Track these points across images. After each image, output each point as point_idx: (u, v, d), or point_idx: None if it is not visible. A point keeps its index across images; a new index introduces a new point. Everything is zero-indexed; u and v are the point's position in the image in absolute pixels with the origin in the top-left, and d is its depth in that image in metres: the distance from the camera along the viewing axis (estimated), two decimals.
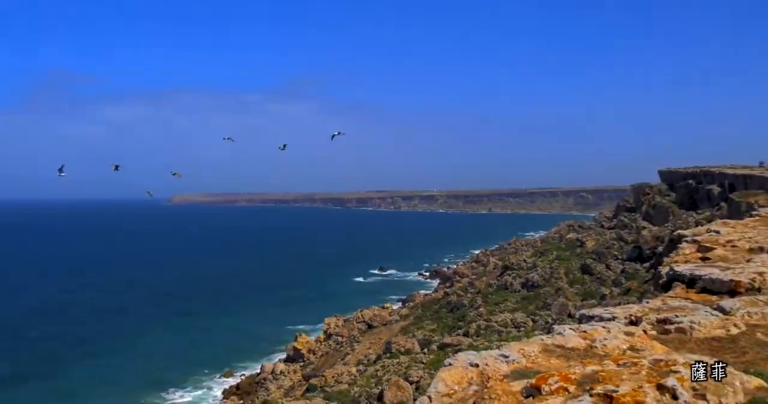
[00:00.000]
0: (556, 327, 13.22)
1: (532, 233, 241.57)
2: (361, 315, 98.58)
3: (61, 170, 44.00)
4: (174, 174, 48.45)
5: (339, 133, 45.25)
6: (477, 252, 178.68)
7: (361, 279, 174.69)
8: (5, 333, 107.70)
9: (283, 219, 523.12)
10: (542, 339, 12.29)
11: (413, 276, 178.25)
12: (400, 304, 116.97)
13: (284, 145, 46.15)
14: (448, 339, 70.68)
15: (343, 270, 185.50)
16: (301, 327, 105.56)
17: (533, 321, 71.90)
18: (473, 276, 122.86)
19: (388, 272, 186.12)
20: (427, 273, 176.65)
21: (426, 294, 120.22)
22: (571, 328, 12.87)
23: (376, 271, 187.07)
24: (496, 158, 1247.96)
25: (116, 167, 44.61)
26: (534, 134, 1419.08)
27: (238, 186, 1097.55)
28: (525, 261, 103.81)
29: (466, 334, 72.00)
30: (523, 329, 68.88)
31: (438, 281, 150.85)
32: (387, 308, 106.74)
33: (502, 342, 54.04)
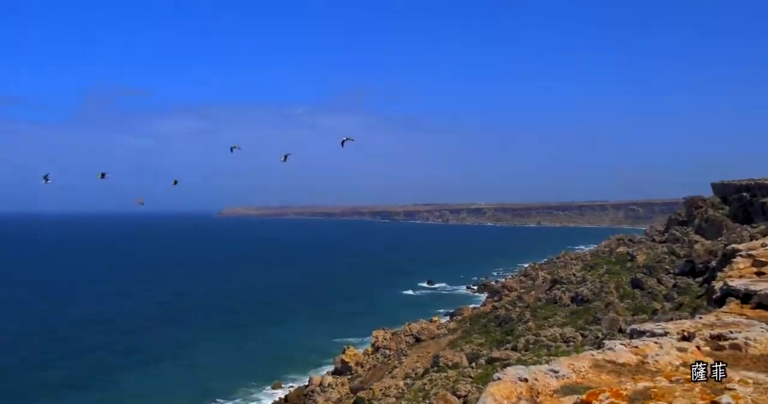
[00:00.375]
0: (606, 342, 13.08)
1: (582, 247, 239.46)
2: (409, 329, 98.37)
3: (46, 178, 44.94)
4: (174, 183, 49.02)
5: (348, 139, 45.39)
6: (525, 265, 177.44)
7: (409, 292, 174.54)
8: (58, 342, 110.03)
9: (331, 232, 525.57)
10: (592, 355, 12.17)
11: (461, 289, 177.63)
12: (448, 318, 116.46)
13: (285, 156, 46.12)
14: (496, 354, 70.22)
15: (391, 283, 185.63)
16: (349, 339, 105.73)
17: (583, 336, 71.05)
18: (522, 290, 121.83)
19: (437, 285, 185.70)
20: (476, 287, 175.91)
21: (474, 308, 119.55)
22: (622, 343, 12.72)
23: (424, 284, 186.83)
24: (544, 171, 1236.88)
25: (102, 175, 45.11)
26: (582, 146, 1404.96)
27: (287, 199, 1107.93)
28: (574, 275, 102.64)
29: (514, 348, 71.42)
30: (572, 344, 68.11)
31: (486, 294, 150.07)
32: (435, 321, 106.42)
33: (551, 357, 53.53)
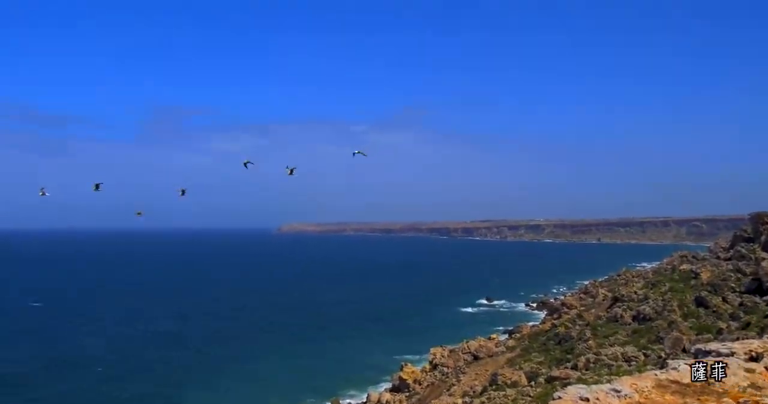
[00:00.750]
0: (670, 361, 12.87)
1: (645, 264, 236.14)
2: (467, 346, 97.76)
3: (43, 191, 46.39)
4: (182, 192, 49.53)
5: (359, 152, 45.74)
6: (585, 283, 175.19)
7: (467, 309, 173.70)
8: (127, 358, 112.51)
9: (389, 249, 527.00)
10: (656, 374, 11.97)
11: (520, 306, 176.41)
12: (506, 335, 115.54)
13: (291, 170, 46.58)
14: (555, 372, 69.29)
15: (449, 300, 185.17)
16: (407, 356, 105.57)
17: (645, 355, 69.68)
18: (582, 308, 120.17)
19: (495, 302, 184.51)
20: (534, 304, 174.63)
21: (533, 326, 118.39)
22: (686, 363, 12.49)
23: (483, 301, 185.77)
24: (604, 187, 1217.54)
25: (97, 186, 45.99)
26: (643, 162, 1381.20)
27: (346, 215, 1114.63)
28: (636, 293, 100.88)
29: (574, 367, 70.39)
30: (634, 363, 66.84)
31: (545, 312, 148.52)
32: (493, 339, 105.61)
33: (612, 377, 52.68)
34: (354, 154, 45.07)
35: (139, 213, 54.64)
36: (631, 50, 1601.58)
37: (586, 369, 68.26)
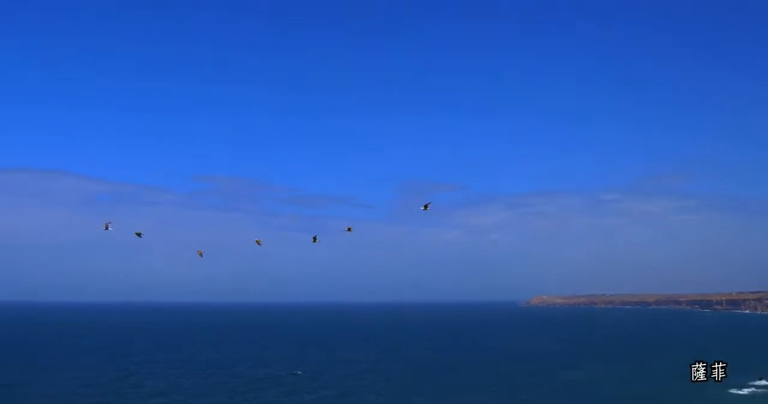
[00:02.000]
0: None
1: None
2: None
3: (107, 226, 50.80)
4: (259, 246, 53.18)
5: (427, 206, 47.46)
6: None
7: (740, 390, 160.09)
8: None
9: (647, 323, 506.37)
10: None
11: None
12: None
13: (314, 237, 50.64)
14: None
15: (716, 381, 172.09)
16: None
17: None
18: None
19: None
20: None
21: None
22: None
23: (758, 382, 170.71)
24: None
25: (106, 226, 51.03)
26: None
27: (597, 287, 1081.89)
28: None
29: None
30: None
31: None
32: None
33: None
34: (424, 208, 47.59)
35: (107, 224, 58.67)
36: None
37: None
